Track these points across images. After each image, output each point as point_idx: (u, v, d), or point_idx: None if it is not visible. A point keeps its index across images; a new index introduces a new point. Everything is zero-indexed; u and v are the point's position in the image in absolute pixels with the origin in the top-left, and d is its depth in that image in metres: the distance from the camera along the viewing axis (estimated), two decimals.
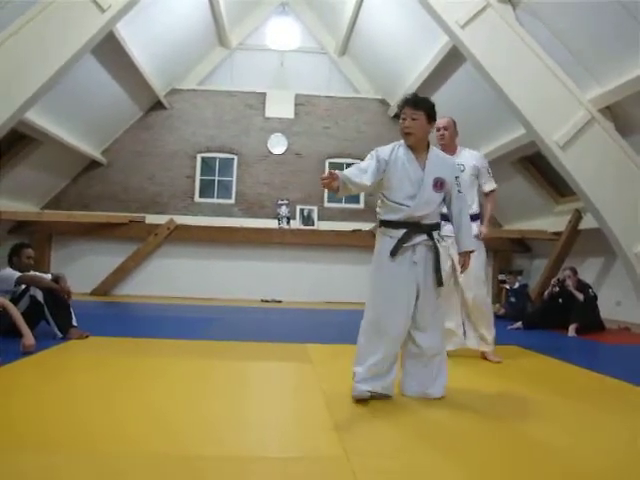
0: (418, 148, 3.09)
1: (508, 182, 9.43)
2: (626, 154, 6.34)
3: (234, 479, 2.02)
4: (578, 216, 7.91)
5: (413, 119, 3.04)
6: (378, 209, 3.34)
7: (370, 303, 3.13)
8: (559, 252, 8.30)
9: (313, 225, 10.42)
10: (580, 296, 6.50)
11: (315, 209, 10.54)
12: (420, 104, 3.06)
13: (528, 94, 6.42)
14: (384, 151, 3.09)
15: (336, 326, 4.30)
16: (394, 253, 3.01)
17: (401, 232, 3.02)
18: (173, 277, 9.99)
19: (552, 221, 8.80)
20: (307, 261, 10.13)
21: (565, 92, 6.39)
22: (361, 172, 2.99)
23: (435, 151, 3.17)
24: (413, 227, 3.04)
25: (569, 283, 6.61)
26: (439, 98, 9.24)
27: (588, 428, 2.74)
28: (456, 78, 8.44)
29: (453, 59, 7.82)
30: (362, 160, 3.14)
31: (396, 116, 10.81)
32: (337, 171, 2.86)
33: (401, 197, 3.04)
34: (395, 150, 3.09)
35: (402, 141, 3.12)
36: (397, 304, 3.04)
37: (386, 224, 3.12)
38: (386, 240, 3.07)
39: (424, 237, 3.06)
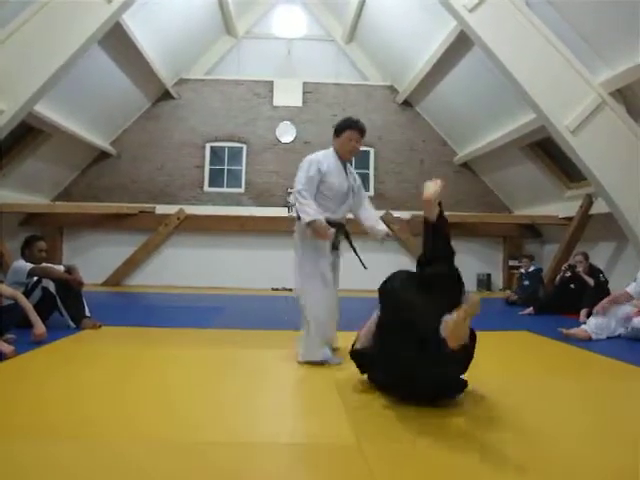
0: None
1: (518, 168, 9.37)
2: (638, 138, 6.27)
3: (245, 465, 2.02)
4: (589, 201, 7.85)
5: (359, 143, 3.92)
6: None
7: None
8: (570, 237, 8.25)
9: None
10: (590, 281, 6.44)
11: None
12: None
13: (538, 78, 6.36)
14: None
15: (346, 314, 4.28)
16: None
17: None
18: (183, 267, 10.05)
19: (562, 206, 8.74)
20: None
21: (575, 75, 6.32)
22: None
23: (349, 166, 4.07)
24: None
25: (580, 268, 6.56)
26: (447, 84, 9.20)
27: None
28: (465, 63, 8.36)
29: (461, 44, 7.74)
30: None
31: (405, 102, 10.75)
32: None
33: None
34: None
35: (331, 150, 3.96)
36: None
37: None
38: None
39: None
